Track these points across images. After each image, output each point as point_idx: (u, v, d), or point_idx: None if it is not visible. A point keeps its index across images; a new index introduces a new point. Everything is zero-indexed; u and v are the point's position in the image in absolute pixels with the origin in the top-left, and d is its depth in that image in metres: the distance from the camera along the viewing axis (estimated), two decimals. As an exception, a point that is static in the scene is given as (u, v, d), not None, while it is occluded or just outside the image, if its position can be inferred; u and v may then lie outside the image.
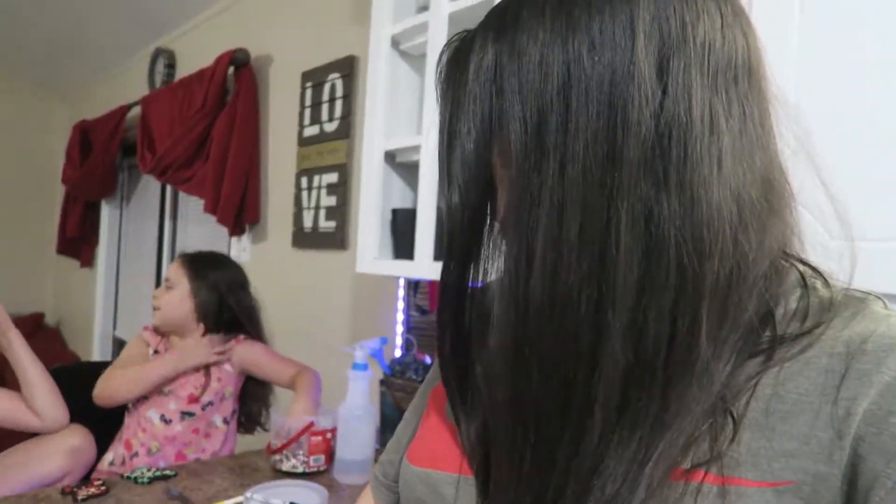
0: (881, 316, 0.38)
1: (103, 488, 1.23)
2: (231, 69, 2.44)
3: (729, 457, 0.37)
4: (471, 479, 0.48)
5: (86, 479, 1.47)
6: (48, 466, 1.41)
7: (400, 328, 1.81)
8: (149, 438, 1.54)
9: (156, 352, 1.64)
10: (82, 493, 1.19)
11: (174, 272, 1.63)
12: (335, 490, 1.29)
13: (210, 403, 1.58)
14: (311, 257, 2.19)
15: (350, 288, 2.01)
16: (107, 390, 1.53)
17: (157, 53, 3.08)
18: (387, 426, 1.50)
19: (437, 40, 1.28)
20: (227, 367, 1.61)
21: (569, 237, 0.37)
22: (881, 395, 0.34)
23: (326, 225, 2.09)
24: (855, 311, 0.39)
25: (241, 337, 1.63)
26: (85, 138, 3.62)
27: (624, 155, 0.36)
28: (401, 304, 1.81)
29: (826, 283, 0.42)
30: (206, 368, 1.58)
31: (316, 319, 2.14)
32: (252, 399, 1.70)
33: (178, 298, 1.60)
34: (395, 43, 1.43)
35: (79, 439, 1.47)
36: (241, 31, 2.61)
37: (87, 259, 3.98)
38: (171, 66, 3.05)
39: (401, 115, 1.45)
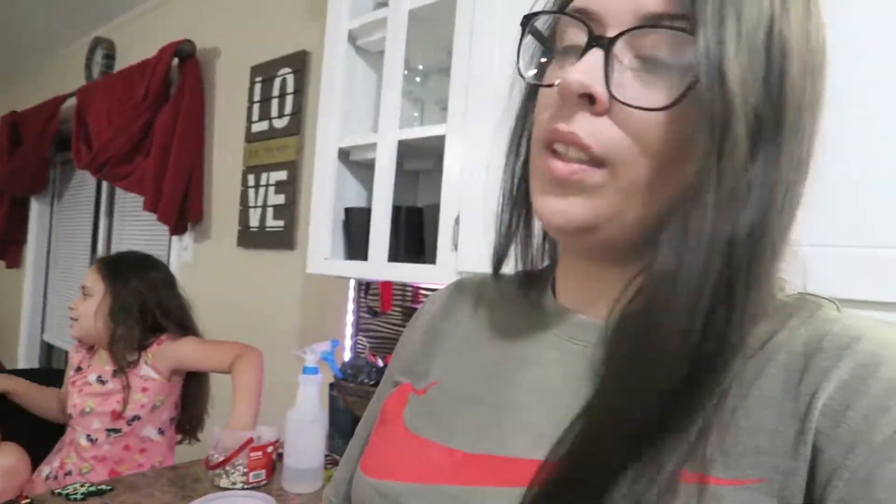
0: (835, 318, 0.40)
1: (30, 505, 1.14)
2: (175, 61, 2.34)
3: (703, 455, 0.37)
4: (436, 488, 0.45)
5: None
6: None
7: (350, 330, 1.77)
8: (79, 460, 1.45)
9: (78, 369, 1.54)
10: (6, 510, 1.11)
11: (91, 279, 1.52)
12: (283, 501, 1.24)
13: (137, 417, 1.48)
14: (258, 257, 2.12)
15: (298, 289, 1.95)
16: None
17: (96, 43, 2.93)
18: (337, 431, 1.46)
19: (396, 36, 1.25)
20: (152, 373, 1.50)
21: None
22: (838, 390, 0.36)
23: (274, 224, 2.02)
24: (811, 312, 0.40)
25: (163, 337, 1.53)
26: (14, 130, 3.42)
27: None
28: (351, 306, 1.77)
29: (781, 286, 0.42)
30: (125, 378, 1.47)
31: (263, 322, 2.07)
32: (192, 402, 1.60)
33: (97, 306, 1.49)
34: (353, 38, 1.40)
35: (11, 459, 1.37)
36: (187, 23, 2.51)
37: (15, 259, 3.76)
38: (110, 56, 2.91)
39: (356, 112, 1.41)
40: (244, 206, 2.14)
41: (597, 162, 0.40)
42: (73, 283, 3.31)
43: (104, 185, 3.11)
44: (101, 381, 1.47)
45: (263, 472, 1.31)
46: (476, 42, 1.07)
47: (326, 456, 1.43)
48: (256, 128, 2.10)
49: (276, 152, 2.03)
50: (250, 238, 2.12)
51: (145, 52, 2.44)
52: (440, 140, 1.13)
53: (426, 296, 1.27)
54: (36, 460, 1.46)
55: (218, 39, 2.35)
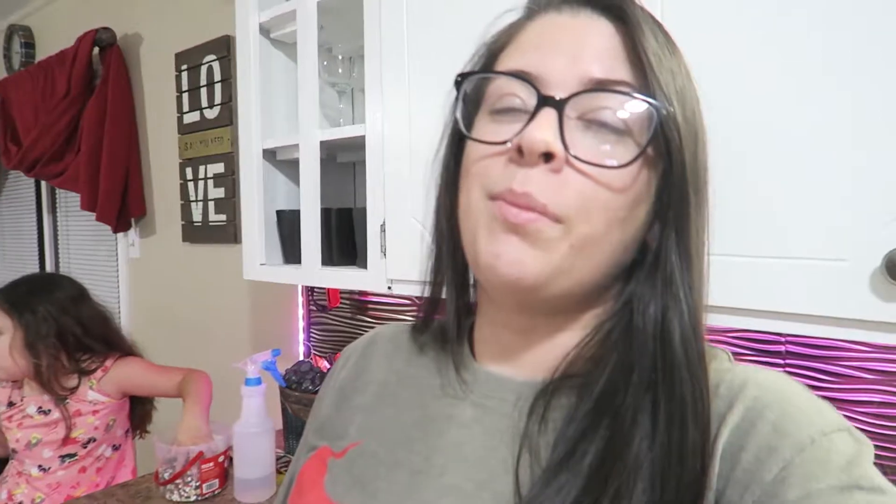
0: (728, 367, 0.43)
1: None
2: (96, 50, 2.22)
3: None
4: None
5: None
6: None
7: (301, 323, 1.75)
8: (31, 490, 1.42)
9: (10, 404, 1.49)
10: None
11: None
12: (237, 511, 1.24)
13: (93, 439, 1.46)
14: (204, 252, 2.06)
15: (246, 284, 1.91)
16: None
17: (12, 31, 2.76)
18: (290, 433, 1.45)
19: (306, 30, 1.19)
20: (100, 397, 1.47)
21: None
22: (732, 433, 0.38)
23: (217, 218, 1.96)
24: (708, 361, 0.42)
25: (107, 363, 1.49)
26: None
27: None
28: (300, 299, 1.74)
29: None
30: (62, 406, 1.43)
31: (213, 316, 2.04)
32: (138, 404, 1.58)
33: (9, 343, 1.42)
34: (265, 31, 1.32)
35: None
36: (106, 8, 2.37)
37: (-40, 259, 3.62)
38: (29, 45, 2.75)
39: (278, 109, 1.35)
40: (185, 201, 2.07)
41: (553, 217, 0.40)
42: (24, 282, 3.20)
43: (42, 181, 2.99)
44: (42, 411, 1.44)
45: (217, 481, 1.31)
46: (386, 32, 1.02)
47: (280, 458, 1.43)
48: (188, 118, 2.01)
49: (210, 144, 1.95)
50: (195, 233, 2.06)
51: (67, 40, 2.30)
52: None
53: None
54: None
55: (138, 25, 2.22)
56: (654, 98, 0.39)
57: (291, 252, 1.32)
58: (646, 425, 0.39)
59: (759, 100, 0.65)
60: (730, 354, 0.45)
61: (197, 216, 2.03)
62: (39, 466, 1.43)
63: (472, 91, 0.47)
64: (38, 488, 1.42)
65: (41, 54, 2.67)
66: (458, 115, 0.46)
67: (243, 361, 1.30)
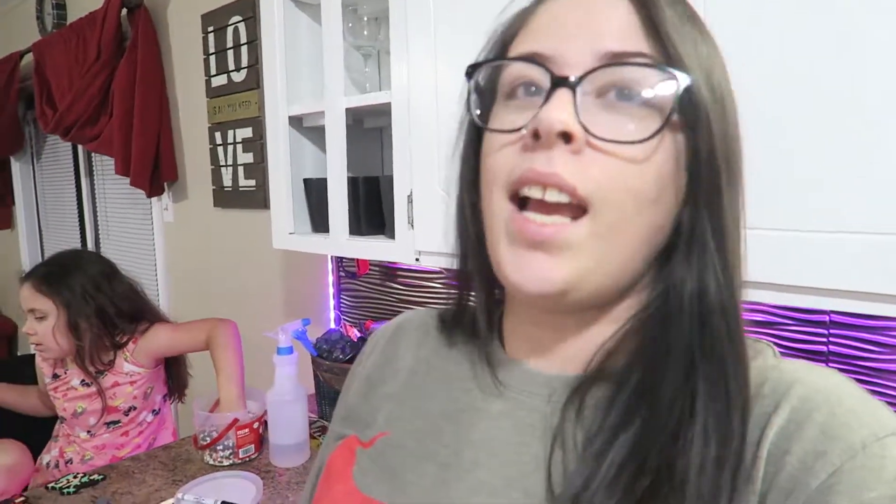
0: (773, 364, 0.40)
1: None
2: (125, 12, 2.20)
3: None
4: None
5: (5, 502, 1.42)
6: None
7: (331, 290, 1.75)
8: (80, 450, 1.49)
9: (56, 376, 1.53)
10: (1, 513, 1.14)
11: (32, 299, 1.44)
12: (272, 475, 1.27)
13: (133, 408, 1.51)
14: (235, 217, 2.07)
15: (277, 249, 1.91)
16: None
17: (42, -8, 2.76)
18: (323, 398, 1.47)
19: (330, -9, 1.14)
20: (135, 368, 1.50)
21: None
22: (777, 435, 0.36)
23: (246, 183, 1.96)
24: (752, 357, 0.40)
25: (136, 335, 1.51)
26: (-22, 90, 3.29)
27: None
28: (330, 266, 1.74)
29: None
30: (98, 387, 1.47)
31: (244, 281, 2.06)
32: (174, 371, 1.62)
33: (57, 325, 1.43)
34: (289, -8, 1.28)
35: (11, 457, 1.38)
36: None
37: (5, 221, 3.74)
38: (60, 6, 2.74)
39: (304, 74, 1.32)
40: (216, 165, 2.07)
41: (578, 207, 0.38)
42: (68, 243, 3.29)
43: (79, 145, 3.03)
44: (85, 384, 1.48)
45: (252, 446, 1.34)
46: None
47: (314, 423, 1.45)
48: (216, 82, 2.00)
49: (238, 108, 1.93)
50: (225, 198, 2.06)
51: (94, 2, 2.29)
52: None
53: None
54: (36, 448, 1.49)
55: (164, -16, 2.19)
56: (676, 68, 0.37)
57: (319, 221, 1.31)
58: (685, 410, 0.37)
59: (804, 61, 0.60)
60: (774, 349, 0.42)
61: (227, 181, 2.03)
62: (87, 431, 1.49)
63: (485, 82, 0.45)
64: (86, 448, 1.49)
65: (73, 16, 2.66)
66: (472, 106, 0.44)
67: (274, 331, 1.31)
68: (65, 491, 1.22)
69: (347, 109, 1.17)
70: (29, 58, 2.83)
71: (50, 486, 1.24)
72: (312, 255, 1.77)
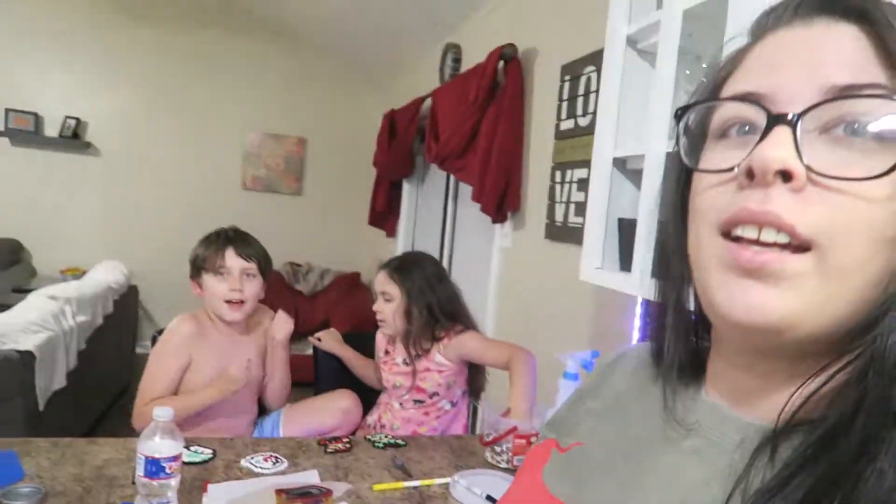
0: None
1: (348, 445, 1.47)
2: (501, 63, 2.56)
3: None
4: None
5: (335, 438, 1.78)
6: (325, 420, 1.73)
7: (636, 332, 1.74)
8: (391, 418, 1.79)
9: (386, 352, 1.87)
10: (331, 447, 1.45)
11: (387, 285, 1.78)
12: (537, 491, 1.34)
13: (436, 394, 1.76)
14: (561, 250, 2.22)
15: (591, 284, 1.99)
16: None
17: (447, 49, 3.37)
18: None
19: (668, 37, 1.18)
20: (444, 361, 1.74)
21: None
22: None
23: (575, 220, 2.08)
24: None
25: (452, 332, 1.74)
26: (391, 126, 4.17)
27: None
28: (638, 310, 1.74)
29: None
30: (413, 367, 1.74)
31: (557, 312, 2.18)
32: (475, 374, 1.84)
33: (398, 307, 1.76)
34: (633, 42, 1.36)
35: (350, 403, 1.77)
36: (514, 25, 2.71)
37: (392, 230, 4.61)
38: (457, 60, 3.32)
39: (633, 118, 1.38)
40: (552, 201, 2.25)
41: (799, 246, 0.36)
42: (430, 251, 3.92)
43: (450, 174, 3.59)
44: (405, 362, 1.79)
45: (524, 457, 1.43)
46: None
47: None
48: (564, 126, 2.18)
49: (579, 150, 2.08)
50: (555, 231, 2.23)
51: (482, 55, 2.72)
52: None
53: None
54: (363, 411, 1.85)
55: (536, 40, 2.48)
56: None
57: (627, 260, 1.34)
58: (876, 459, 0.32)
59: None
60: None
61: (559, 216, 2.19)
62: (399, 403, 1.79)
63: (696, 124, 0.44)
64: (396, 418, 1.78)
65: (465, 66, 3.19)
66: (681, 148, 0.43)
67: (565, 355, 1.38)
68: (376, 444, 1.49)
69: (667, 153, 1.18)
70: (428, 102, 3.49)
71: (366, 437, 1.53)
72: (625, 295, 1.79)
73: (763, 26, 0.42)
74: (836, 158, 0.36)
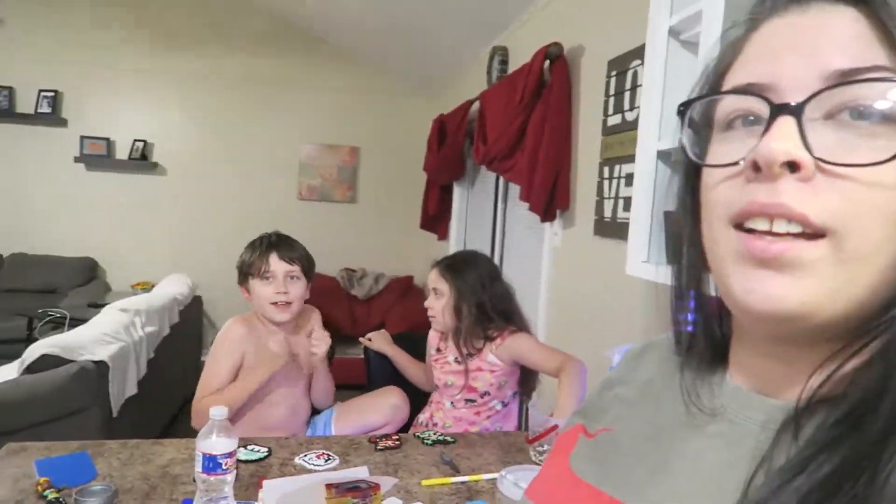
0: None
1: (398, 442, 1.49)
2: (547, 63, 2.55)
3: None
4: None
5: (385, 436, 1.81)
6: (375, 416, 1.77)
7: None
8: (443, 417, 1.81)
9: (438, 350, 1.88)
10: (381, 444, 1.48)
11: (438, 281, 1.81)
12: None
13: (487, 393, 1.76)
14: (610, 246, 2.18)
15: (637, 281, 1.95)
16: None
17: (494, 52, 3.38)
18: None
19: (710, 25, 1.16)
20: (497, 361, 1.75)
21: None
22: None
23: (624, 216, 2.05)
24: None
25: (505, 333, 1.74)
26: (441, 130, 4.20)
27: None
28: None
29: None
30: (465, 366, 1.76)
31: (606, 304, 2.15)
32: (527, 376, 1.84)
33: (447, 303, 1.78)
34: (675, 33, 1.33)
35: (398, 399, 1.80)
36: (560, 24, 2.70)
37: (443, 233, 4.64)
38: (504, 62, 3.32)
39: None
40: (600, 197, 2.23)
41: (813, 233, 0.36)
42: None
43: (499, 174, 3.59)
44: (457, 361, 1.80)
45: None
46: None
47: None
48: (611, 121, 2.15)
49: (627, 145, 2.05)
50: (604, 228, 2.20)
51: (528, 56, 2.71)
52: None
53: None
54: (413, 411, 1.88)
55: (582, 37, 2.46)
56: None
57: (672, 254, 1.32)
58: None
59: None
60: None
61: (608, 212, 2.16)
62: (451, 402, 1.80)
63: (699, 119, 0.44)
64: (448, 417, 1.80)
65: (512, 68, 3.19)
66: (686, 144, 0.43)
67: (612, 350, 1.37)
68: (425, 441, 1.51)
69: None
70: (476, 105, 3.50)
71: (416, 434, 1.55)
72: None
73: (759, 14, 0.42)
74: (842, 144, 0.35)
